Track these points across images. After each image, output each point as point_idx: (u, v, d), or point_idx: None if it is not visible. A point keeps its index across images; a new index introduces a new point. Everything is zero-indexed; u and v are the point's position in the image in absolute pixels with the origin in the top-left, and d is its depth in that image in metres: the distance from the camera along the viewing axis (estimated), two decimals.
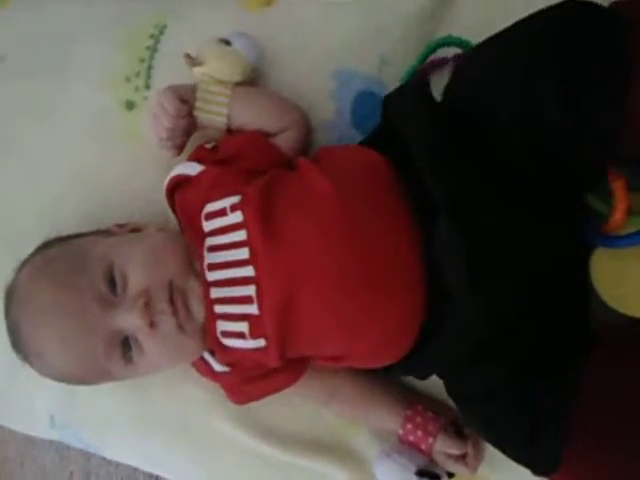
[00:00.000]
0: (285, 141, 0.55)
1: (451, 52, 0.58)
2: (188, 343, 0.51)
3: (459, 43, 0.57)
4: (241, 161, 0.52)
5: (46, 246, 0.54)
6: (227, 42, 0.56)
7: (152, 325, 0.47)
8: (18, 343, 0.52)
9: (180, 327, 0.49)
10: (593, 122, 0.39)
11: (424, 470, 0.53)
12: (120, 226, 0.56)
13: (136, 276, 0.48)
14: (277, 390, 0.54)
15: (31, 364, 0.53)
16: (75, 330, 0.48)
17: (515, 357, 0.44)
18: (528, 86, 0.40)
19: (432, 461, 0.54)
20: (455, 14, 0.59)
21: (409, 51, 0.59)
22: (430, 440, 0.53)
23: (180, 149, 0.57)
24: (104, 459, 1.17)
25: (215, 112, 0.55)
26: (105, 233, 0.55)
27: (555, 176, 0.42)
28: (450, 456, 0.53)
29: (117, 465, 1.14)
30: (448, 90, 0.48)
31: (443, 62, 0.58)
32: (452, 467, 0.53)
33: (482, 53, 0.46)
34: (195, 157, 0.55)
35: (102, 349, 0.49)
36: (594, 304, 0.46)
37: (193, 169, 0.53)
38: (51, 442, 1.34)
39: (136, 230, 0.56)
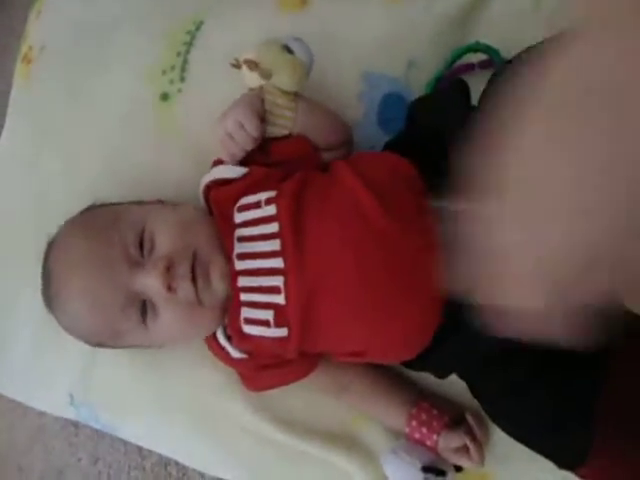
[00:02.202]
0: (329, 155, 0.57)
1: (477, 58, 0.59)
2: (204, 316, 0.52)
3: (486, 50, 0.59)
4: (286, 166, 0.54)
5: (90, 208, 0.58)
6: (288, 49, 0.52)
7: (170, 289, 0.49)
8: (47, 288, 0.54)
9: (198, 297, 0.50)
10: None
11: (430, 466, 0.54)
12: (161, 201, 0.59)
13: (163, 241, 0.51)
14: (289, 381, 0.55)
15: (53, 312, 0.55)
16: (99, 283, 0.50)
17: (537, 353, 0.44)
18: None
19: (439, 457, 0.55)
20: (485, 22, 0.61)
21: (436, 56, 0.61)
22: (435, 437, 0.54)
23: None
24: (112, 446, 1.19)
25: (281, 125, 0.53)
26: (146, 203, 0.58)
27: None
28: (455, 450, 0.54)
29: (125, 452, 1.15)
30: (486, 94, 0.49)
31: (469, 68, 0.60)
32: (458, 461, 0.54)
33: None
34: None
35: (119, 306, 0.50)
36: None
37: (236, 172, 0.54)
38: (61, 428, 1.36)
39: (174, 206, 0.57)
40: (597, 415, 0.42)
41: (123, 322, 0.51)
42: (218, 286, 0.51)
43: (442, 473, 0.54)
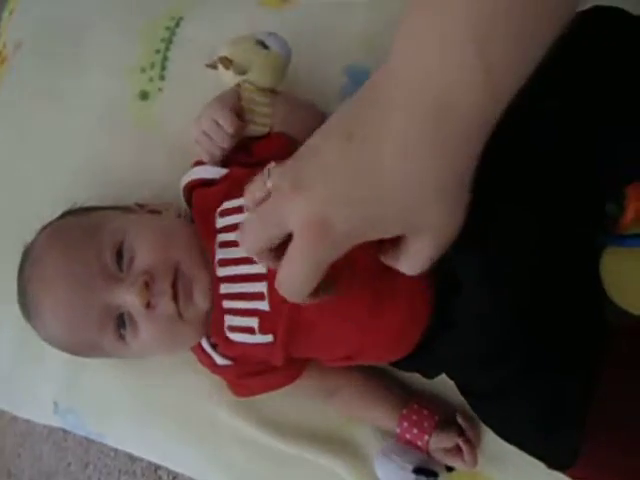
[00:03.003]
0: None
1: None
2: (185, 330, 0.51)
3: None
4: (263, 162, 0.52)
5: (68, 214, 0.56)
6: (263, 44, 0.51)
7: (149, 305, 0.47)
8: (24, 301, 0.53)
9: (179, 312, 0.49)
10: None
11: (421, 467, 0.53)
12: (140, 205, 0.57)
13: (143, 254, 0.49)
14: (275, 387, 0.54)
15: (31, 323, 0.54)
16: (75, 297, 0.49)
17: (527, 353, 0.44)
18: (566, 93, 0.41)
19: (430, 458, 0.55)
20: None
21: None
22: (425, 437, 0.53)
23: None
24: (102, 451, 1.18)
25: (260, 123, 0.52)
26: (125, 209, 0.55)
27: (584, 185, 0.43)
28: (446, 451, 0.53)
29: (115, 457, 1.14)
30: None
31: None
32: (450, 462, 0.53)
33: None
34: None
35: (96, 321, 0.49)
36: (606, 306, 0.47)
37: (216, 173, 0.53)
38: (49, 433, 1.35)
39: (155, 212, 0.56)
40: (588, 416, 0.41)
41: (100, 337, 0.50)
42: (200, 301, 0.49)
43: (434, 474, 0.54)
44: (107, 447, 1.16)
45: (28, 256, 0.53)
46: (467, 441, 0.52)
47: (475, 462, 0.52)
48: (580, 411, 0.41)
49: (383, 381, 0.57)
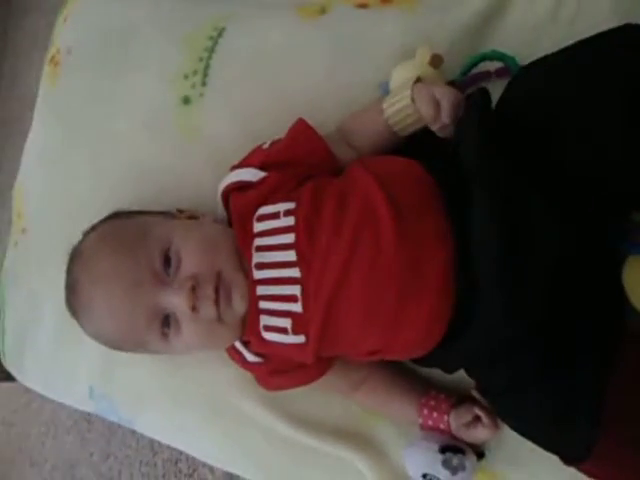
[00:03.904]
0: (347, 153, 0.57)
1: (494, 66, 0.61)
2: (223, 332, 0.54)
3: (502, 57, 0.60)
4: (300, 166, 0.55)
5: (115, 216, 0.59)
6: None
7: (194, 309, 0.51)
8: (72, 299, 0.56)
9: (219, 316, 0.52)
10: None
11: (447, 445, 0.54)
12: (180, 211, 0.60)
13: (190, 260, 0.52)
14: (303, 383, 0.57)
15: (79, 321, 0.57)
16: (125, 297, 0.52)
17: (544, 352, 0.45)
18: (596, 107, 0.43)
19: (456, 439, 0.56)
20: (501, 31, 0.61)
21: (453, 64, 0.62)
22: (446, 418, 0.55)
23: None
24: (124, 442, 1.21)
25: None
26: (167, 215, 0.59)
27: (606, 192, 0.44)
28: (467, 425, 0.54)
29: (136, 448, 1.17)
30: (505, 100, 0.50)
31: (486, 75, 0.61)
32: (473, 434, 0.54)
33: (543, 69, 0.48)
34: (256, 161, 0.56)
35: (144, 320, 0.52)
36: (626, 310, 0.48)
37: (254, 176, 0.55)
38: (73, 423, 1.39)
39: (193, 217, 0.59)
40: (602, 411, 0.43)
41: (146, 335, 0.53)
42: (238, 306, 0.53)
43: (461, 451, 0.55)
44: (129, 438, 1.19)
45: (77, 257, 0.56)
46: (483, 407, 0.54)
47: (496, 424, 0.53)
48: (595, 406, 0.43)
49: (404, 373, 0.60)
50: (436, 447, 0.54)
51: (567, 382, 0.44)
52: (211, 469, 0.97)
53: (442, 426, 0.55)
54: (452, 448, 0.54)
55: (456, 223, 0.47)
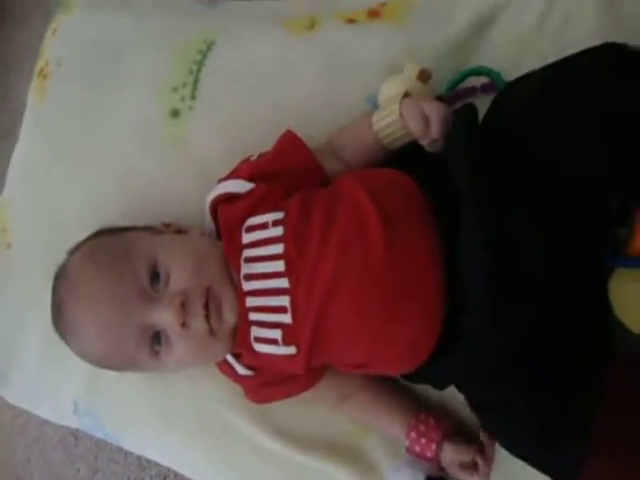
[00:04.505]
0: (337, 166, 0.58)
1: (480, 81, 0.61)
2: (216, 346, 0.54)
3: (488, 73, 0.60)
4: (288, 177, 0.55)
5: (98, 234, 0.58)
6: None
7: (184, 325, 0.50)
8: (59, 321, 0.55)
9: (210, 330, 0.52)
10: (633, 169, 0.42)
11: (432, 477, 0.54)
12: (166, 225, 0.60)
13: (178, 276, 0.52)
14: (294, 393, 0.56)
15: (67, 342, 0.56)
16: (113, 317, 0.51)
17: (534, 369, 0.45)
18: (574, 124, 0.44)
19: (443, 471, 0.55)
20: (487, 46, 0.62)
21: (440, 79, 0.62)
22: (434, 446, 0.54)
23: None
24: (111, 458, 1.19)
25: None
26: (152, 230, 0.58)
27: (587, 207, 0.45)
28: (462, 466, 0.54)
29: (124, 464, 1.15)
30: (490, 117, 0.51)
31: (472, 91, 0.62)
32: (464, 476, 0.54)
33: (526, 86, 0.49)
34: (244, 173, 0.56)
35: (133, 339, 0.52)
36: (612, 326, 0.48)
37: (242, 187, 0.55)
38: (60, 439, 1.37)
39: (180, 231, 0.59)
40: (593, 430, 0.43)
41: (136, 354, 0.53)
42: (229, 317, 0.53)
43: None
44: (116, 454, 1.17)
45: (62, 277, 0.55)
46: (485, 458, 0.53)
47: (488, 474, 0.53)
48: (584, 425, 0.43)
49: (395, 390, 0.59)
50: (421, 477, 0.54)
51: (556, 400, 0.45)
52: None
53: (429, 454, 0.55)
54: (438, 479, 0.54)
55: (445, 237, 0.48)
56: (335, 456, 0.60)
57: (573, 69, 0.46)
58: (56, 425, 1.37)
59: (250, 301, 0.52)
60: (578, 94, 0.44)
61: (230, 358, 0.57)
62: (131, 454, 1.12)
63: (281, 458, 0.62)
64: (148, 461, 1.07)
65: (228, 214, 0.56)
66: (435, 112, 0.50)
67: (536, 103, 0.47)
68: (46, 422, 1.39)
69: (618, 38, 0.49)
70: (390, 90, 0.57)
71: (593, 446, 0.43)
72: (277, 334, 0.50)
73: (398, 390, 0.60)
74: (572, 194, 0.44)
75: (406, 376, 0.55)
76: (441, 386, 0.54)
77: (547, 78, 0.47)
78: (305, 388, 0.56)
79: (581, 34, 0.58)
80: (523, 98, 0.48)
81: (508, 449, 0.49)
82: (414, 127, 0.51)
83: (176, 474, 1.01)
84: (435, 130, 0.50)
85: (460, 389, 0.53)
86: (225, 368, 0.58)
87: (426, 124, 0.50)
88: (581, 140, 0.43)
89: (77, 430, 1.28)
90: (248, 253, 0.52)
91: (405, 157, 0.56)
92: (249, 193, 0.55)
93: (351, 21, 0.66)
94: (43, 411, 0.75)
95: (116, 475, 1.16)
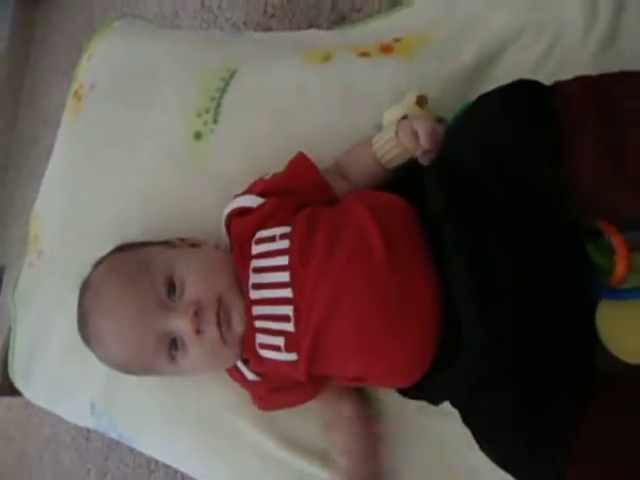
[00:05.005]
0: (342, 185, 0.62)
1: None
2: (226, 352, 0.58)
3: None
4: (297, 194, 0.59)
5: (119, 250, 0.63)
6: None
7: (198, 332, 0.55)
8: (84, 328, 0.60)
9: (222, 337, 0.56)
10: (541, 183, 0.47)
11: None
12: (181, 240, 0.64)
13: (192, 287, 0.56)
14: (297, 403, 0.60)
15: (91, 348, 0.61)
16: (133, 325, 0.56)
17: (521, 384, 0.48)
18: (487, 154, 0.49)
19: None
20: (492, 79, 0.66)
21: (444, 108, 0.66)
22: None
23: None
24: (122, 460, 1.23)
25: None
26: (169, 244, 0.63)
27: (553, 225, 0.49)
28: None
29: (133, 467, 1.18)
30: (446, 150, 0.55)
31: None
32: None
33: (458, 124, 0.56)
34: (257, 189, 0.61)
35: (152, 345, 0.56)
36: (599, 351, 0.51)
37: (254, 202, 0.60)
38: (72, 439, 1.41)
39: (194, 245, 0.63)
40: (573, 443, 0.45)
41: (155, 359, 0.57)
42: (237, 325, 0.57)
43: None
44: (126, 457, 1.21)
45: (86, 289, 0.60)
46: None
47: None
48: (566, 438, 0.45)
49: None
50: None
51: (541, 414, 0.47)
52: None
53: None
54: None
55: (437, 257, 0.51)
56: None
57: (487, 108, 0.52)
58: (69, 426, 1.42)
59: (256, 309, 0.55)
60: (485, 125, 0.50)
61: (240, 364, 0.61)
62: (140, 457, 1.15)
63: (288, 465, 0.64)
64: (157, 464, 1.10)
65: (240, 226, 0.60)
66: (422, 126, 0.55)
67: (456, 134, 0.53)
68: (59, 423, 1.44)
69: None
70: (391, 115, 0.62)
71: (574, 460, 0.45)
72: (280, 341, 0.54)
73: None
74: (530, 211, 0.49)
75: (402, 392, 0.57)
76: (436, 401, 0.57)
77: (470, 117, 0.54)
78: (307, 398, 0.60)
79: (579, 72, 0.61)
80: (460, 131, 0.54)
81: (494, 459, 0.51)
82: (406, 141, 0.57)
83: (183, 478, 1.04)
84: (423, 141, 0.55)
85: (454, 404, 0.56)
86: (235, 374, 0.62)
87: (416, 139, 0.55)
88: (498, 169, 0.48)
89: (89, 432, 1.33)
90: (256, 263, 0.56)
91: (401, 182, 0.60)
92: (260, 207, 0.59)
93: (364, 54, 0.70)
94: (61, 410, 0.79)
95: (125, 477, 1.19)
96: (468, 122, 0.53)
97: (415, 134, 0.55)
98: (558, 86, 0.50)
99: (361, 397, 0.63)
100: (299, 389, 0.59)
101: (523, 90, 0.50)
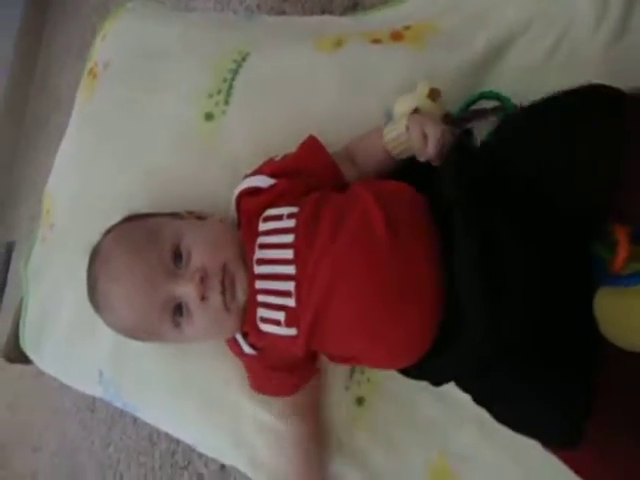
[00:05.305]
0: (351, 170, 0.63)
1: (490, 105, 0.66)
2: (228, 320, 0.60)
3: (498, 97, 0.65)
4: (307, 177, 0.61)
5: (128, 219, 0.65)
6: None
7: (203, 298, 0.57)
8: (93, 294, 0.62)
9: (225, 305, 0.58)
10: (595, 183, 0.47)
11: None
12: (189, 212, 0.66)
13: (198, 255, 0.58)
14: (280, 393, 0.65)
15: (99, 313, 0.63)
16: (140, 291, 0.58)
17: (527, 358, 0.49)
18: (550, 157, 0.49)
19: None
20: (499, 72, 0.67)
21: (453, 100, 0.67)
22: None
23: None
24: (125, 432, 1.26)
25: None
26: (176, 216, 0.65)
27: (564, 221, 0.49)
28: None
29: (136, 439, 1.21)
30: (487, 143, 0.56)
31: (482, 113, 0.66)
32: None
33: (520, 120, 0.55)
34: (267, 170, 0.63)
35: (158, 309, 0.58)
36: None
37: (265, 182, 0.62)
38: (77, 411, 1.44)
39: (201, 218, 0.65)
40: (593, 401, 0.46)
41: (160, 323, 0.59)
42: (240, 296, 0.59)
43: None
44: (129, 429, 1.24)
45: (96, 256, 0.62)
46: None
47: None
48: (584, 394, 0.46)
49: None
50: None
51: (555, 375, 0.48)
52: (205, 463, 1.01)
53: None
54: None
55: (445, 245, 0.52)
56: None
57: (557, 107, 0.51)
58: (74, 397, 1.46)
59: (259, 284, 0.57)
60: (559, 132, 0.50)
61: (238, 336, 0.63)
62: (143, 429, 1.18)
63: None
64: (158, 437, 1.14)
65: (249, 204, 0.62)
66: (433, 133, 0.55)
67: (526, 136, 0.52)
68: (65, 394, 1.48)
69: (622, 71, 0.53)
70: (403, 105, 0.63)
71: (594, 417, 0.45)
72: (281, 316, 0.56)
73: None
74: (547, 209, 0.49)
75: (403, 371, 0.59)
76: (438, 382, 0.57)
77: (539, 114, 0.52)
78: (290, 391, 0.63)
79: (587, 66, 0.62)
80: (516, 127, 0.54)
81: (517, 430, 0.52)
82: (415, 142, 0.57)
83: (184, 450, 1.07)
84: (430, 149, 0.55)
85: (459, 385, 0.56)
86: (233, 345, 0.64)
87: (425, 142, 0.56)
88: (555, 172, 0.49)
89: (94, 404, 1.36)
90: (262, 240, 0.58)
91: (412, 171, 0.61)
92: (271, 188, 0.61)
93: (376, 41, 0.71)
94: (70, 378, 0.81)
95: (128, 449, 1.22)
96: (531, 123, 0.52)
97: (425, 137, 0.56)
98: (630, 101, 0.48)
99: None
100: (286, 377, 0.62)
101: (592, 101, 0.49)
